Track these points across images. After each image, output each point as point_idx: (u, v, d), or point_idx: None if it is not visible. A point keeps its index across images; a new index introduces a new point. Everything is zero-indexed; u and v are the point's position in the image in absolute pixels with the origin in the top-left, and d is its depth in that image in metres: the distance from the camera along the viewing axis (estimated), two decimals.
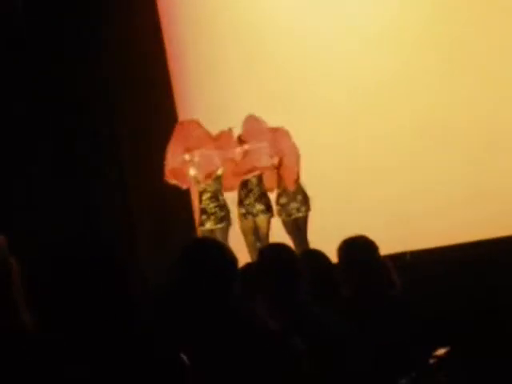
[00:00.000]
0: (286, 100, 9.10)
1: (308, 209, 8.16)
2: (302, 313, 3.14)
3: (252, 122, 8.14)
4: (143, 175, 8.90)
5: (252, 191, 8.10)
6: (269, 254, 3.29)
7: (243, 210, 8.11)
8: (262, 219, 8.07)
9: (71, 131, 8.83)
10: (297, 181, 8.14)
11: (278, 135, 8.18)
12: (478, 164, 8.41)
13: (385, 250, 4.04)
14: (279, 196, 8.22)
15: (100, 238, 8.32)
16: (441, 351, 3.72)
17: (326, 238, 5.25)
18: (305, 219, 8.15)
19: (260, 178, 8.13)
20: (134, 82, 9.10)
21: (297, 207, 8.12)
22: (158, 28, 9.47)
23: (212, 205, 8.03)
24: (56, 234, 7.98)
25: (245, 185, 8.12)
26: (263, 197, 8.11)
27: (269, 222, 8.09)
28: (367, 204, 8.67)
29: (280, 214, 8.19)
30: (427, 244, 7.96)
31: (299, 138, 8.30)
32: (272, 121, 8.24)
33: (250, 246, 8.03)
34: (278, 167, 8.16)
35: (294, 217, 8.14)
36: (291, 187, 8.12)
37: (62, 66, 8.76)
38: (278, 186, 8.22)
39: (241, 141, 8.14)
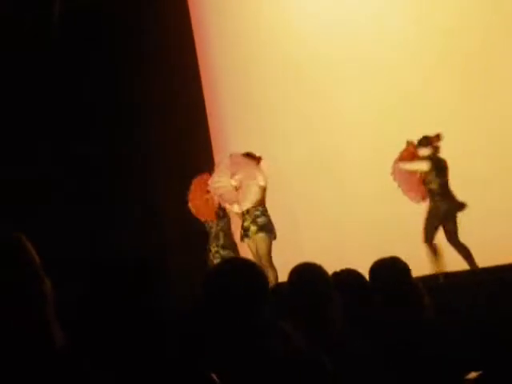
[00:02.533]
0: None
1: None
2: (334, 334, 3.11)
3: (237, 156, 8.30)
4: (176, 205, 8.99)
5: (249, 213, 8.14)
6: (302, 274, 3.26)
7: (242, 232, 8.21)
8: (258, 239, 8.09)
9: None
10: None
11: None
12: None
13: (417, 271, 4.01)
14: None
15: (130, 257, 8.36)
16: (473, 376, 3.67)
17: (357, 258, 5.23)
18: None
19: (259, 200, 8.16)
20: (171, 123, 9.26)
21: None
22: (197, 73, 9.61)
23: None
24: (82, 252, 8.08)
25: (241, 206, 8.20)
26: (260, 217, 8.12)
27: (266, 242, 8.07)
28: (400, 224, 8.64)
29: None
30: (460, 266, 7.89)
31: (317, 157, 8.35)
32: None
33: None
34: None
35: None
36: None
37: None
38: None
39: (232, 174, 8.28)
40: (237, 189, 8.25)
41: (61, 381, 1.97)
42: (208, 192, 8.57)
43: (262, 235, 8.09)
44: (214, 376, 2.41)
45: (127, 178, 9.15)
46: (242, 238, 8.25)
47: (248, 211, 8.15)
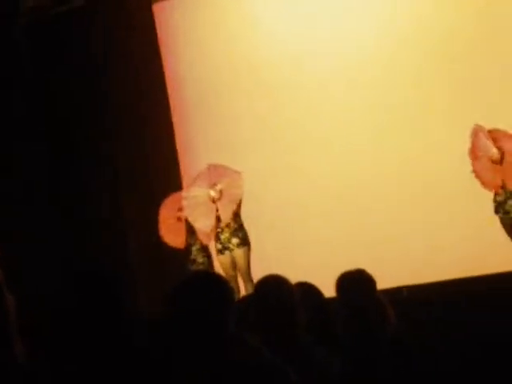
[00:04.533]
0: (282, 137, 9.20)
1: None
2: (296, 346, 3.12)
3: (217, 166, 8.32)
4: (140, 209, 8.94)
5: (228, 225, 8.10)
6: (266, 285, 3.27)
7: (219, 246, 8.13)
8: (238, 253, 8.06)
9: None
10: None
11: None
12: (477, 200, 8.40)
13: (381, 284, 4.03)
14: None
15: (96, 269, 8.31)
16: None
17: (322, 271, 5.25)
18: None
19: (236, 212, 8.14)
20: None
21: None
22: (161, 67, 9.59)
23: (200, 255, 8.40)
24: (50, 268, 8.02)
25: (219, 220, 8.15)
26: (239, 230, 8.10)
27: (246, 256, 8.06)
28: (365, 238, 8.68)
29: None
30: (424, 279, 7.94)
31: (297, 177, 8.37)
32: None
33: (230, 280, 8.00)
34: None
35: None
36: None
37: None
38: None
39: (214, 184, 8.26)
40: (214, 201, 8.19)
41: None
42: (179, 210, 8.51)
43: (243, 249, 8.06)
44: None
45: (94, 192, 9.10)
46: (220, 252, 8.14)
47: (227, 224, 8.12)
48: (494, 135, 7.91)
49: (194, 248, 8.44)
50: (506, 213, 7.86)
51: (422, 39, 8.89)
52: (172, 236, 8.58)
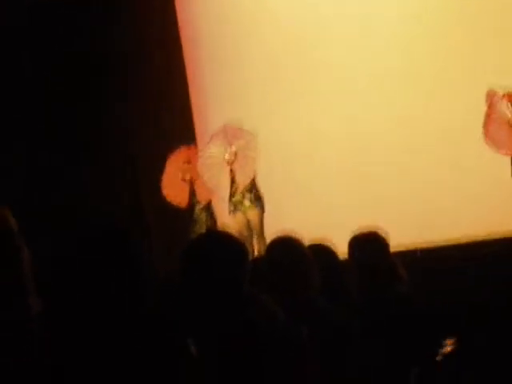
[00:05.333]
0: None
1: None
2: (311, 308, 3.15)
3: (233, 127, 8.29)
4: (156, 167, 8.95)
5: (238, 187, 8.13)
6: (279, 248, 3.29)
7: (232, 207, 8.16)
8: (251, 214, 8.09)
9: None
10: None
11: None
12: (489, 159, 8.36)
13: (394, 245, 4.05)
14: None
15: (112, 225, 8.35)
16: (447, 348, 3.73)
17: (335, 232, 5.27)
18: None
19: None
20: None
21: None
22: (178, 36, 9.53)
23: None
24: (67, 221, 8.06)
25: (233, 181, 8.16)
26: (251, 191, 8.11)
27: (259, 216, 8.09)
28: (378, 199, 8.68)
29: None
30: (438, 241, 7.96)
31: (308, 134, 8.32)
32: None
33: (244, 241, 8.03)
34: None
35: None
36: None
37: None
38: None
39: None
40: (229, 162, 8.21)
41: (36, 345, 2.01)
42: (185, 165, 8.53)
43: (255, 210, 8.09)
44: (191, 347, 2.44)
45: (108, 152, 9.10)
46: (232, 212, 8.18)
47: (238, 184, 8.14)
48: (510, 97, 7.85)
49: (196, 207, 8.47)
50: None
51: None
52: (175, 194, 8.61)
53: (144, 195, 9.19)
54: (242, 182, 8.13)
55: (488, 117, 7.88)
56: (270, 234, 3.49)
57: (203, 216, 8.50)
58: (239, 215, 8.13)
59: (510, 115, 7.82)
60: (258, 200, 8.12)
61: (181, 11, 9.57)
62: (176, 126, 9.23)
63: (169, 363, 2.35)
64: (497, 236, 7.82)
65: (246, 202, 8.09)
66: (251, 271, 2.68)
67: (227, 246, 2.63)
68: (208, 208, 8.57)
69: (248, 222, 8.12)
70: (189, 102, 9.52)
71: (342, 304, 3.47)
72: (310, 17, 9.20)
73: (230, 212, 8.21)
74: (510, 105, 7.84)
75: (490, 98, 7.87)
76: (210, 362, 2.47)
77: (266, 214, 8.17)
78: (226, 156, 8.18)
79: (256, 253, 7.88)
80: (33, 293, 2.12)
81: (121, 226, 2.47)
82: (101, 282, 2.34)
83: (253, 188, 8.14)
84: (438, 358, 3.62)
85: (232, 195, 8.18)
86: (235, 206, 8.13)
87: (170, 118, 9.25)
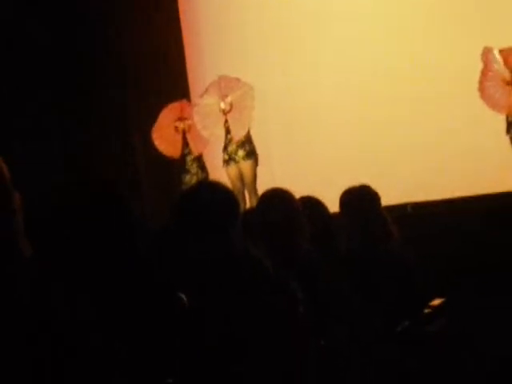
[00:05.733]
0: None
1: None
2: (302, 261, 3.16)
3: (228, 78, 8.25)
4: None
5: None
6: (269, 201, 3.29)
7: (226, 157, 8.16)
8: (245, 165, 8.08)
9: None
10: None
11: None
12: (476, 121, 8.36)
13: (385, 200, 4.05)
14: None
15: (102, 177, 8.37)
16: (436, 302, 3.76)
17: (327, 186, 5.27)
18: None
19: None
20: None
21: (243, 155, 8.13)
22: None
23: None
24: (56, 172, 8.06)
25: (228, 132, 8.15)
26: (247, 143, 8.11)
27: (253, 168, 8.09)
28: (369, 154, 8.69)
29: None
30: (429, 196, 7.98)
31: (305, 91, 8.28)
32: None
33: (237, 193, 8.05)
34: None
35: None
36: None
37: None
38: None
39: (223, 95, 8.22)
40: (225, 112, 8.20)
41: (26, 289, 2.01)
42: (178, 119, 8.54)
43: (249, 162, 8.09)
44: (183, 297, 2.45)
45: (105, 108, 9.05)
46: (226, 163, 8.18)
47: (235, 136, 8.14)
48: (505, 55, 7.81)
49: (188, 158, 8.51)
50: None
51: None
52: (167, 145, 8.63)
53: (136, 146, 9.19)
54: (238, 132, 8.11)
55: (483, 74, 7.86)
56: (263, 188, 3.48)
57: (194, 167, 8.52)
58: (232, 167, 8.13)
59: (504, 72, 7.79)
60: (252, 152, 8.12)
61: None
62: (170, 82, 9.17)
63: (161, 312, 2.36)
64: (488, 192, 7.85)
65: (241, 153, 8.09)
66: (242, 223, 2.68)
67: (218, 196, 2.62)
68: (199, 160, 8.59)
69: (241, 174, 8.12)
70: (183, 60, 9.46)
71: (331, 258, 3.48)
72: None
73: (223, 163, 8.20)
74: (504, 61, 7.80)
75: (486, 55, 7.83)
76: (201, 313, 2.48)
77: (259, 168, 8.17)
78: (222, 105, 8.17)
79: (248, 205, 7.89)
80: (23, 237, 2.12)
81: (109, 175, 2.47)
82: (90, 229, 2.34)
83: (248, 140, 8.13)
84: (426, 312, 3.65)
85: (226, 146, 8.17)
86: (229, 156, 8.13)
87: (165, 75, 9.19)
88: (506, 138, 7.85)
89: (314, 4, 9.12)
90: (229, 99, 8.16)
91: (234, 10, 9.40)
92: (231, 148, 8.12)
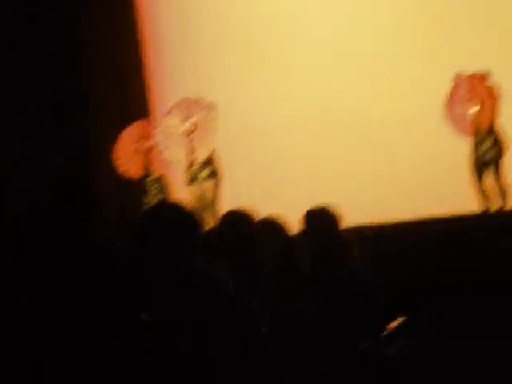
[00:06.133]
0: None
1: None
2: (262, 282, 3.16)
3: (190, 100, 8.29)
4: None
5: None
6: (229, 221, 3.29)
7: (189, 177, 8.18)
8: (207, 185, 8.10)
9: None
10: None
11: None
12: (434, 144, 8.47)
13: (347, 222, 4.07)
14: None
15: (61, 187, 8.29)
16: (395, 323, 3.78)
17: (290, 207, 5.29)
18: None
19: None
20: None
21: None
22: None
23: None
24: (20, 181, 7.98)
25: (192, 152, 8.17)
26: (210, 163, 8.13)
27: (215, 189, 8.10)
28: (330, 176, 8.73)
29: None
30: (389, 218, 8.03)
31: (268, 118, 8.45)
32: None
33: (199, 213, 8.01)
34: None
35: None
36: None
37: None
38: None
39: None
40: (189, 133, 8.20)
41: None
42: (140, 140, 8.51)
43: (212, 182, 8.11)
44: (144, 317, 2.44)
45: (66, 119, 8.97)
46: (189, 183, 8.18)
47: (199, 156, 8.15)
48: (472, 80, 8.01)
49: (148, 179, 8.49)
50: (483, 153, 7.97)
51: None
52: (128, 166, 8.58)
53: (98, 167, 9.11)
54: (201, 153, 8.14)
55: (451, 97, 8.05)
56: (226, 208, 3.48)
57: (155, 188, 8.49)
58: (194, 187, 8.14)
59: (470, 96, 7.97)
60: (215, 173, 8.14)
61: None
62: (131, 104, 9.12)
63: (121, 331, 2.34)
64: (447, 216, 7.93)
65: (204, 174, 8.10)
66: (202, 244, 2.67)
67: (179, 216, 2.62)
68: (160, 181, 8.56)
69: (203, 194, 8.13)
70: (144, 81, 9.43)
71: (292, 280, 3.49)
72: None
73: (186, 182, 8.20)
74: (470, 86, 7.99)
75: (456, 79, 8.04)
76: (161, 331, 2.47)
77: (221, 188, 8.18)
78: (186, 126, 8.19)
79: (209, 225, 7.88)
80: None
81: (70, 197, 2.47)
82: (48, 243, 2.33)
83: (211, 160, 8.16)
84: (385, 333, 3.67)
85: (190, 166, 8.18)
86: (192, 177, 8.14)
87: (125, 96, 9.14)
88: (463, 161, 8.00)
89: (278, 23, 9.15)
90: (193, 120, 8.19)
91: (196, 30, 9.39)
92: (194, 168, 8.14)
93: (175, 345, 2.46)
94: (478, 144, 7.97)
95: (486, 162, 7.95)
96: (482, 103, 7.96)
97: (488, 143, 7.92)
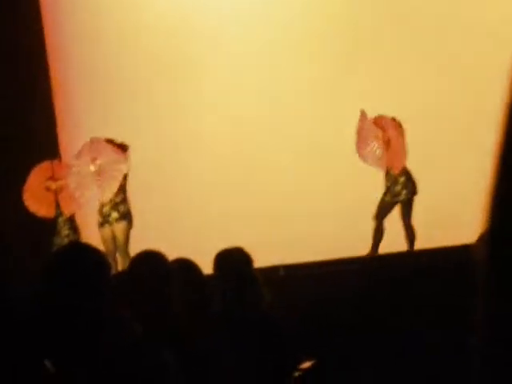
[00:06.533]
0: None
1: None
2: (173, 327, 3.13)
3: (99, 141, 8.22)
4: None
5: (110, 199, 8.08)
6: (139, 263, 3.26)
7: (100, 219, 8.10)
8: (118, 227, 8.04)
9: None
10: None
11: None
12: (353, 183, 8.61)
13: (258, 263, 4.09)
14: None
15: None
16: (306, 364, 3.80)
17: (202, 248, 5.27)
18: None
19: (122, 186, 8.11)
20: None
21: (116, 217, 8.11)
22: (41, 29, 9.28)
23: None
24: None
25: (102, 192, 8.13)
26: (121, 204, 8.08)
27: (126, 231, 8.04)
28: (242, 217, 8.76)
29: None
30: (301, 258, 8.09)
31: (179, 148, 8.43)
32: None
33: (109, 255, 7.89)
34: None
35: None
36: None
37: None
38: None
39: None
40: (97, 175, 8.14)
41: None
42: (50, 179, 8.36)
43: (123, 223, 8.03)
44: (48, 363, 2.38)
45: None
46: (100, 225, 8.09)
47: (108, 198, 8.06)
48: (378, 122, 8.20)
49: (59, 219, 8.33)
50: (395, 195, 8.14)
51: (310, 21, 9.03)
52: (39, 206, 8.41)
53: (6, 206, 8.90)
54: (105, 195, 8.07)
55: (358, 134, 8.24)
56: (137, 250, 3.45)
57: (66, 229, 8.33)
58: (106, 229, 8.06)
59: (377, 133, 8.17)
60: (126, 214, 8.07)
61: (47, 19, 9.34)
62: (39, 141, 8.96)
63: (26, 379, 2.29)
64: (360, 254, 8.05)
65: (114, 215, 8.03)
66: (113, 286, 2.64)
67: (88, 259, 2.58)
68: (72, 221, 8.41)
69: (114, 235, 8.04)
70: (54, 119, 9.30)
71: (205, 319, 3.47)
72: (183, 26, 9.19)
73: (98, 224, 8.10)
74: (375, 122, 8.20)
75: (361, 120, 8.24)
76: (66, 379, 2.42)
77: (132, 231, 8.12)
78: (92, 168, 8.13)
79: (119, 267, 7.79)
80: None
81: None
82: None
83: (122, 202, 8.08)
84: (296, 374, 3.67)
85: (101, 207, 8.10)
86: (104, 218, 8.05)
87: (34, 134, 8.97)
88: (376, 201, 8.15)
89: (189, 56, 9.19)
90: (98, 162, 8.13)
91: (107, 67, 9.34)
92: (105, 209, 8.07)
93: None
94: (391, 185, 8.12)
95: (398, 202, 8.12)
96: (389, 142, 8.16)
97: (401, 183, 8.10)
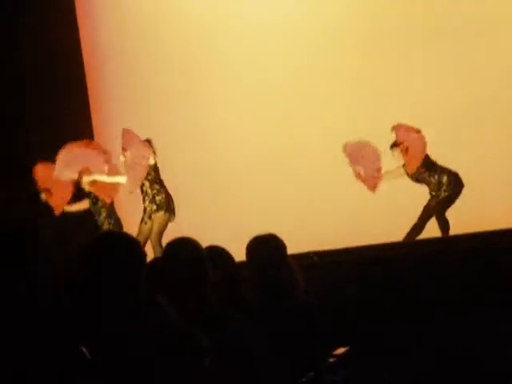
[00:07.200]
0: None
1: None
2: (208, 312, 3.14)
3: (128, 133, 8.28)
4: None
5: (147, 193, 8.15)
6: (174, 249, 3.27)
7: (143, 215, 8.20)
8: (155, 218, 8.09)
9: None
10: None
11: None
12: None
13: (291, 249, 4.09)
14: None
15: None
16: (340, 351, 3.79)
17: (234, 236, 5.29)
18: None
19: (155, 178, 8.17)
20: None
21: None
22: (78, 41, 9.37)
23: None
24: None
25: (141, 189, 8.19)
26: (157, 196, 8.12)
27: (163, 221, 8.10)
28: (276, 203, 8.78)
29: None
30: (334, 245, 8.08)
31: (210, 149, 8.56)
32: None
33: (144, 243, 7.97)
34: None
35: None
36: None
37: None
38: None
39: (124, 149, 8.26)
40: (125, 165, 8.23)
41: None
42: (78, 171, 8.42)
43: (160, 214, 8.10)
44: (84, 350, 2.41)
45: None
46: (142, 220, 8.18)
47: (145, 191, 8.12)
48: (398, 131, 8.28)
49: (98, 205, 8.39)
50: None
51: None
52: (58, 195, 8.49)
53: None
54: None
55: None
56: (170, 238, 3.47)
57: (103, 215, 8.41)
58: (147, 224, 8.15)
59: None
60: (163, 205, 8.16)
61: (82, 17, 9.42)
62: (76, 132, 9.06)
63: (63, 366, 2.32)
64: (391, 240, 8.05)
65: (152, 207, 8.14)
66: (148, 273, 2.66)
67: (125, 246, 2.61)
68: (109, 208, 8.47)
69: (151, 227, 8.14)
70: (90, 117, 9.40)
71: (237, 307, 3.48)
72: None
73: (141, 221, 8.18)
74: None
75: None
76: (105, 366, 2.45)
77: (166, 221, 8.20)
78: (121, 158, 8.23)
79: (154, 255, 7.85)
80: None
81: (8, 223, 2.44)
82: None
83: (158, 193, 8.16)
84: (331, 361, 3.68)
85: (143, 202, 8.18)
86: (145, 213, 8.17)
87: (70, 125, 9.07)
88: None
89: (222, 57, 9.23)
90: (127, 153, 8.21)
91: (141, 66, 9.42)
92: (145, 204, 8.18)
93: (122, 375, 2.44)
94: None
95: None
96: (407, 150, 8.24)
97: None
